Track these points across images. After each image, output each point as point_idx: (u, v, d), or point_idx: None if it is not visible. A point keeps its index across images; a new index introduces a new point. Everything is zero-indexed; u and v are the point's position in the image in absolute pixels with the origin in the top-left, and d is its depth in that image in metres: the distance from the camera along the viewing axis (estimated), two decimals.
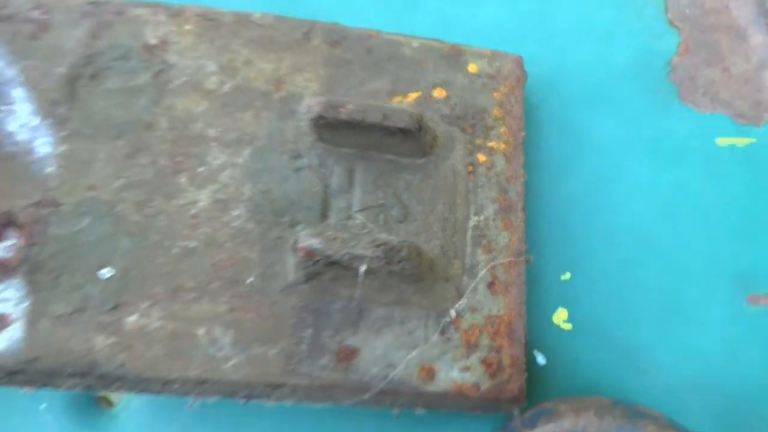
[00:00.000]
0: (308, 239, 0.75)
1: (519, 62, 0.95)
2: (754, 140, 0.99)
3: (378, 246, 0.75)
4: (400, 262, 0.76)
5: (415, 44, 0.91)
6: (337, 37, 0.88)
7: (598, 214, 0.97)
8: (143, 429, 0.88)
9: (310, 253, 0.75)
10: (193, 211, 0.79)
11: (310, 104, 0.80)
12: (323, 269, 0.78)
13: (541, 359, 0.91)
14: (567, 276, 0.95)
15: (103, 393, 0.80)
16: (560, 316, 0.94)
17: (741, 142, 0.99)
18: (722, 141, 0.99)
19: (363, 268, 0.75)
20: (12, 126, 0.79)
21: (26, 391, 0.75)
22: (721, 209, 0.96)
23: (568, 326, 0.93)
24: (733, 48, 1.01)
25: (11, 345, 0.72)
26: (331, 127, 0.81)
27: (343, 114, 0.79)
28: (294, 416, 0.89)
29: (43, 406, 0.87)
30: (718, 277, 0.95)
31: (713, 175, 0.97)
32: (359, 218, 0.82)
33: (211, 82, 0.83)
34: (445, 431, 0.88)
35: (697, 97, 1.00)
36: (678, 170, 0.98)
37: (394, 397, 0.79)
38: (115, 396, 0.90)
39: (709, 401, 0.91)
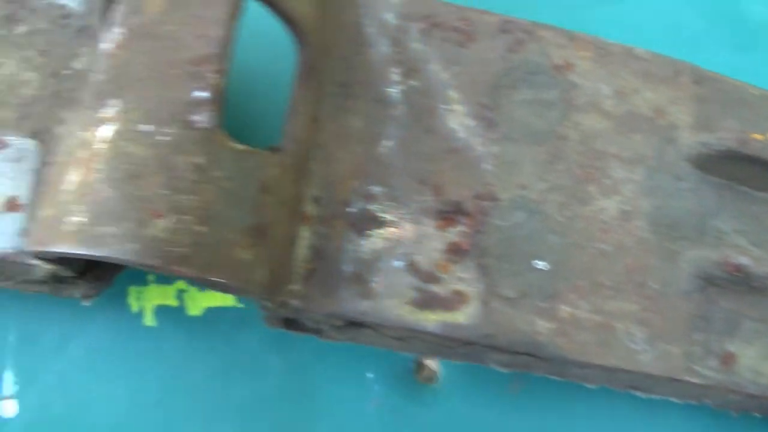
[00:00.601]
0: (738, 256, 0.83)
1: None
2: None
3: None
4: None
5: (754, 91, 1.01)
6: (699, 77, 0.97)
7: None
8: (465, 406, 0.94)
9: (736, 269, 0.82)
10: (602, 218, 0.86)
11: (723, 137, 0.88)
12: (717, 282, 0.85)
13: None
14: None
15: (520, 371, 0.85)
16: None
17: None
18: None
19: None
20: (453, 123, 0.85)
21: (458, 361, 0.80)
22: None
23: None
24: None
25: (470, 320, 0.77)
26: (718, 157, 0.90)
27: (752, 150, 0.87)
28: (622, 405, 0.95)
29: (371, 375, 0.92)
30: None
31: None
32: (735, 241, 0.90)
33: (608, 104, 0.91)
34: None
35: None
36: None
37: (758, 401, 0.87)
38: (435, 372, 0.95)
39: None
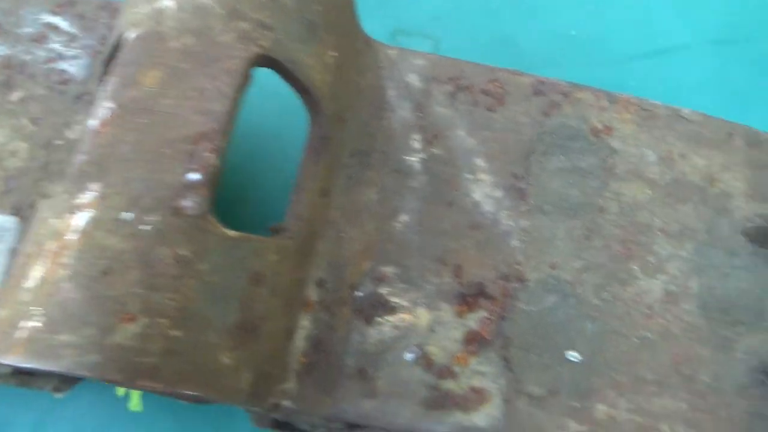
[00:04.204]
0: None
1: None
2: None
3: None
4: None
5: None
6: (755, 140, 0.79)
7: None
8: None
9: None
10: (647, 301, 0.69)
11: None
12: None
13: None
14: None
15: None
16: None
17: None
18: None
19: None
20: (478, 195, 0.70)
21: None
22: None
23: None
24: None
25: (491, 423, 0.62)
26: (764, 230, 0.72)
27: None
28: None
29: None
30: None
31: None
32: None
33: (653, 172, 0.75)
34: None
35: None
36: None
37: None
38: None
39: None
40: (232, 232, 0.55)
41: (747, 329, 0.71)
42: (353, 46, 0.70)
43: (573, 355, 0.66)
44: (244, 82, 0.58)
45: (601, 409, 0.65)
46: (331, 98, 0.65)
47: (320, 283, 0.64)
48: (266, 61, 0.58)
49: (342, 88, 0.68)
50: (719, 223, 0.75)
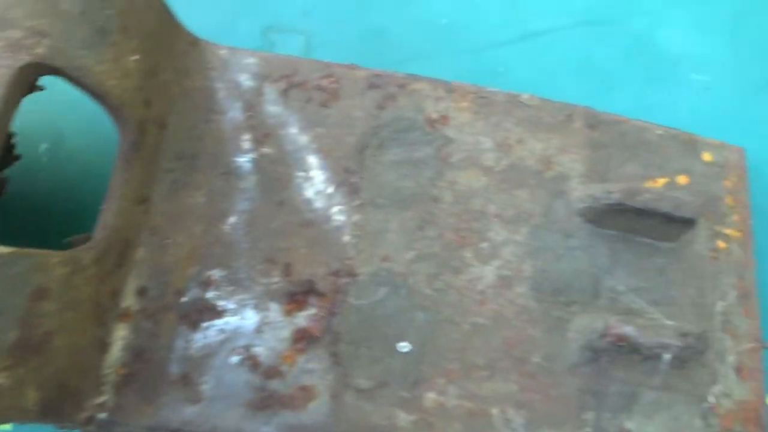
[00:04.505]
0: (621, 326, 0.66)
1: (741, 153, 0.88)
2: None
3: (684, 335, 0.66)
4: (700, 352, 0.67)
5: (659, 131, 0.84)
6: (594, 120, 0.81)
7: None
8: None
9: (621, 339, 0.66)
10: (479, 287, 0.70)
11: (612, 190, 0.71)
12: (607, 353, 0.69)
13: None
14: None
15: None
16: None
17: None
18: None
19: (668, 357, 0.66)
20: (309, 192, 0.70)
21: None
22: None
23: None
24: None
25: (318, 419, 0.62)
26: (609, 210, 0.73)
27: (641, 203, 0.70)
28: None
29: None
30: None
31: None
32: (630, 300, 0.73)
33: (489, 159, 0.75)
34: None
35: None
36: None
37: None
38: None
39: None
40: (5, 249, 0.53)
41: (580, 309, 0.72)
42: (171, 49, 0.69)
43: (404, 346, 0.67)
44: (15, 90, 0.56)
45: (430, 397, 0.66)
46: (141, 103, 0.64)
47: (141, 292, 0.63)
48: (45, 69, 0.56)
49: (158, 92, 0.67)
50: (556, 205, 0.76)
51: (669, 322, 0.70)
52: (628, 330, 0.66)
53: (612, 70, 1.05)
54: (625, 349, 0.67)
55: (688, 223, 0.74)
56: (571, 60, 1.06)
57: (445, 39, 1.07)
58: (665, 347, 0.67)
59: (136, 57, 0.62)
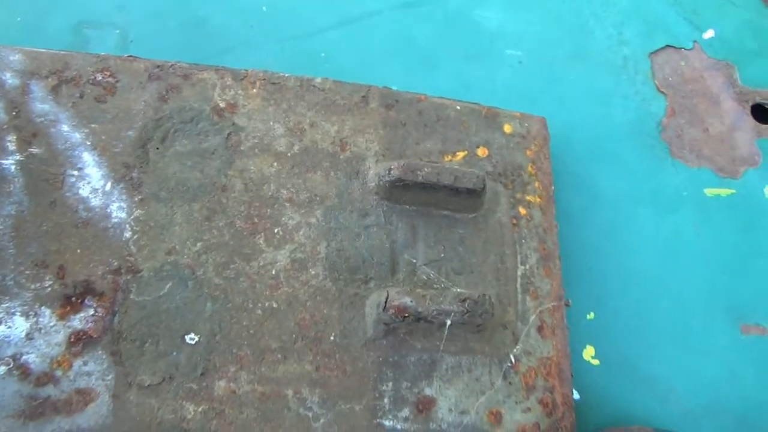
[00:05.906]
0: (400, 297, 0.67)
1: (544, 123, 0.92)
2: (733, 191, 0.99)
3: (463, 301, 0.68)
4: (482, 315, 0.69)
5: (458, 107, 0.86)
6: (391, 100, 0.81)
7: (612, 258, 0.94)
8: None
9: (402, 311, 0.67)
10: (272, 272, 0.70)
11: (391, 167, 0.72)
12: (402, 324, 0.70)
13: (576, 395, 0.86)
14: (592, 315, 0.91)
15: None
16: (589, 353, 0.89)
17: (724, 192, 0.99)
18: (709, 191, 0.99)
19: (448, 323, 0.68)
20: (85, 191, 0.67)
21: None
22: (713, 250, 0.96)
23: (596, 362, 0.89)
24: (709, 111, 1.01)
25: (98, 421, 0.60)
26: (396, 187, 0.74)
27: (421, 177, 0.72)
28: None
29: None
30: (715, 309, 0.93)
31: (705, 220, 0.97)
32: (426, 272, 0.74)
33: (281, 144, 0.75)
34: None
35: (685, 153, 1.00)
36: (675, 217, 0.97)
37: None
38: None
39: (719, 422, 0.89)
40: None
41: (377, 284, 0.73)
42: None
43: (192, 338, 0.65)
44: None
45: (221, 386, 0.65)
46: None
47: None
48: None
49: None
50: (351, 186, 0.76)
51: (455, 290, 0.72)
52: (406, 301, 0.67)
53: (431, 50, 1.07)
54: (411, 320, 0.68)
55: (473, 193, 0.76)
56: (391, 42, 1.07)
57: (266, 27, 1.06)
58: (446, 313, 0.68)
59: None
